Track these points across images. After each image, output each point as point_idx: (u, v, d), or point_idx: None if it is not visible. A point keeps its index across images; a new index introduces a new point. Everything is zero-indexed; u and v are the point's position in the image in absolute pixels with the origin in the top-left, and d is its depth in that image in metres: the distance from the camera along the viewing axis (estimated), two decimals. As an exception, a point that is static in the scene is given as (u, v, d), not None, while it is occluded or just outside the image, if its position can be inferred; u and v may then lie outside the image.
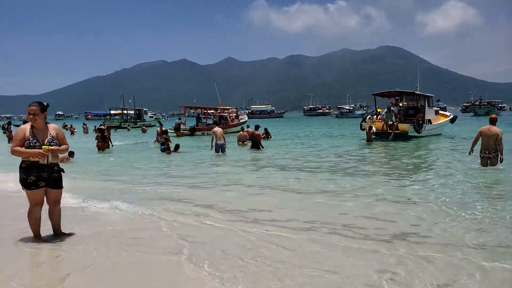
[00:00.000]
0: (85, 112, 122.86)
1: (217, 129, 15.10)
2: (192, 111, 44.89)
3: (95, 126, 32.52)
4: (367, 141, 19.11)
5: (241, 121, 32.51)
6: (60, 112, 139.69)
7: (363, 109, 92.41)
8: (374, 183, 8.21)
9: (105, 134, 17.11)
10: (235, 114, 34.08)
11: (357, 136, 23.20)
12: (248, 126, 22.75)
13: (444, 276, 3.43)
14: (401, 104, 23.00)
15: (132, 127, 44.26)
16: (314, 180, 8.65)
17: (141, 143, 20.92)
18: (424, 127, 20.56)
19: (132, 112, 53.99)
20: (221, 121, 30.09)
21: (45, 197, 4.32)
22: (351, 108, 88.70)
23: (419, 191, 7.23)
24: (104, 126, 19.13)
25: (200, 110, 34.07)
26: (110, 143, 17.51)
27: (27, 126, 4.19)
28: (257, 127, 17.36)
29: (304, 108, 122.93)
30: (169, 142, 16.01)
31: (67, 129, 36.32)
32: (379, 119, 21.38)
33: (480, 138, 9.27)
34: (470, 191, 7.13)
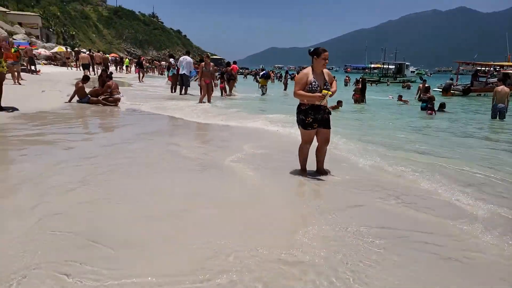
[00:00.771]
0: (345, 65, 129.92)
1: (502, 89, 12.41)
2: (468, 67, 39.24)
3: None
4: None
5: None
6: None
7: None
8: None
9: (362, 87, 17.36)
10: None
11: None
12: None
13: None
14: None
15: (391, 82, 43.36)
16: None
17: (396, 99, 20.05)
18: None
19: (393, 66, 52.54)
20: (506, 80, 24.72)
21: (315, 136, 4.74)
22: None
23: None
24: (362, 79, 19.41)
25: (479, 66, 29.12)
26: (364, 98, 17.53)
27: (309, 70, 4.58)
28: None
29: None
30: (433, 101, 14.53)
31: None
32: None
33: None
34: None
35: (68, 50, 36.77)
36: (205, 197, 4.01)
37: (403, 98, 18.41)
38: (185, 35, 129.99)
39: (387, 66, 52.84)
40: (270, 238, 3.07)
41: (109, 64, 32.51)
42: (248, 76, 51.65)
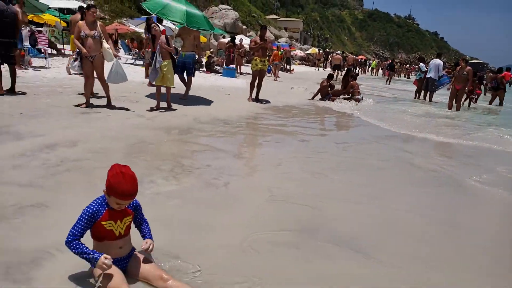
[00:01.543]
0: None
1: None
2: None
3: None
4: None
5: None
6: None
7: None
8: None
9: None
10: None
11: None
12: None
13: None
14: None
15: None
16: None
17: None
18: None
19: None
20: None
21: None
22: None
23: None
24: None
25: None
26: None
27: None
28: None
29: None
30: None
31: None
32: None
33: None
34: None
35: (320, 51, 40.46)
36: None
37: None
38: (441, 37, 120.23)
39: None
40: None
41: (357, 65, 33.88)
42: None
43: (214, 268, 2.30)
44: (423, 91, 15.53)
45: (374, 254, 2.71)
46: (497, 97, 15.91)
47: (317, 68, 34.78)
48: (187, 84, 8.98)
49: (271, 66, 18.26)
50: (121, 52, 16.85)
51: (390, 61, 31.77)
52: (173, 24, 12.37)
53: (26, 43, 11.11)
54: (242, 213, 3.21)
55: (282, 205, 3.46)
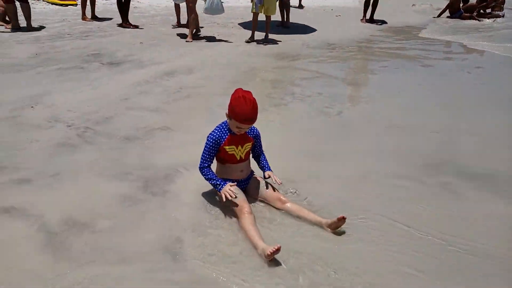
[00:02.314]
0: None
1: None
2: None
3: None
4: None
5: None
6: None
7: None
8: None
9: None
10: None
11: None
12: None
13: None
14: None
15: None
16: None
17: None
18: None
19: None
20: None
21: None
22: None
23: None
24: None
25: None
26: None
27: None
28: None
29: None
30: None
31: None
32: None
33: None
34: None
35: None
36: None
37: None
38: None
39: None
40: None
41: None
42: None
43: (329, 197, 2.34)
44: None
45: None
46: None
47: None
48: (287, 10, 8.56)
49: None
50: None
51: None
52: None
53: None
54: (359, 143, 3.13)
55: (403, 137, 3.28)
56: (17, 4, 6.22)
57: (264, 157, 2.37)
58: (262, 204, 2.24)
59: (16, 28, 6.32)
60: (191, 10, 6.51)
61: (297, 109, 3.87)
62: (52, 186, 2.32)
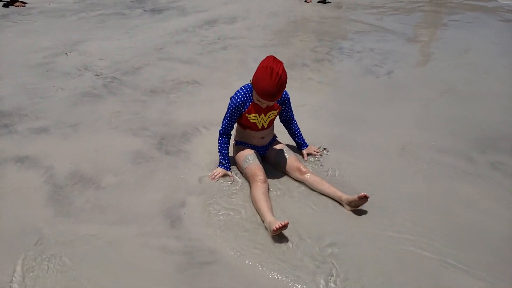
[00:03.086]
0: None
1: None
2: None
3: None
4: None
5: None
6: None
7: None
8: None
9: None
10: None
11: None
12: None
13: None
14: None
15: None
16: None
17: None
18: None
19: None
20: None
21: None
22: None
23: None
24: None
25: None
26: None
27: None
28: None
29: None
30: None
31: None
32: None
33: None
34: None
35: None
36: None
37: None
38: None
39: None
40: None
41: None
42: None
43: (357, 171, 2.10)
44: None
45: None
46: None
47: None
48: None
49: None
50: None
51: None
52: None
53: None
54: (405, 109, 2.80)
55: (461, 104, 2.88)
56: None
57: (296, 124, 2.17)
58: (280, 173, 2.07)
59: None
60: None
61: (341, 66, 3.54)
62: (68, 137, 2.32)
